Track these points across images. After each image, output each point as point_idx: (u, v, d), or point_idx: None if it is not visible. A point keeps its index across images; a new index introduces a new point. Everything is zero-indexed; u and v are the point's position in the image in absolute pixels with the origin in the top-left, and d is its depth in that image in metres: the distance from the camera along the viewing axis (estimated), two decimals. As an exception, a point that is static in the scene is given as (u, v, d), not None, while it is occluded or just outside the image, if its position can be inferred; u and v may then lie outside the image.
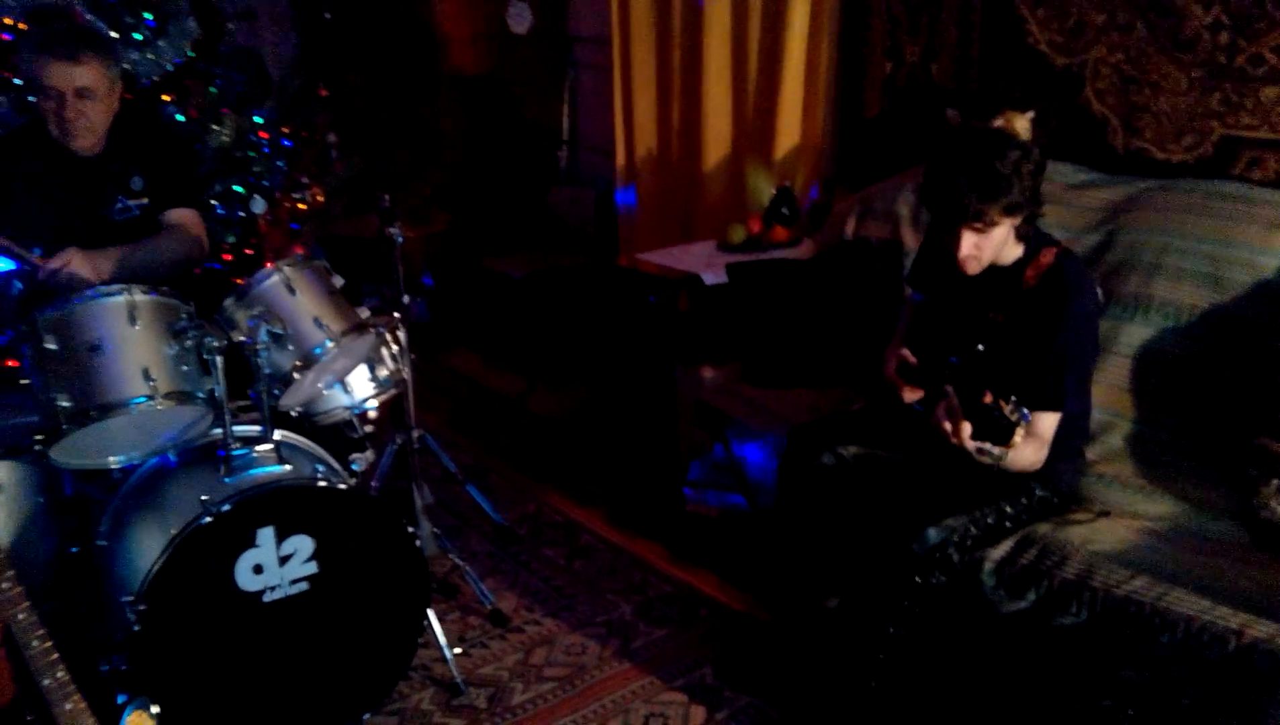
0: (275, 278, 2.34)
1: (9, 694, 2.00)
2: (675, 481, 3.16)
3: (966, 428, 1.98)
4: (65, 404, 2.07)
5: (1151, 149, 2.84)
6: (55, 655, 1.82)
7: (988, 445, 1.96)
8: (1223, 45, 2.65)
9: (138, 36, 3.97)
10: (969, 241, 2.17)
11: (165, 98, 4.01)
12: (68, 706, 1.82)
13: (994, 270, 2.30)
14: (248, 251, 4.01)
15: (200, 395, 2.21)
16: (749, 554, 2.89)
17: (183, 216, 2.80)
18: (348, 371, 2.57)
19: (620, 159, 4.39)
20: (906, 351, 2.49)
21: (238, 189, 3.89)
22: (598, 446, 3.73)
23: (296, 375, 2.32)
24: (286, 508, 2.19)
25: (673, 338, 3.15)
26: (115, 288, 2.16)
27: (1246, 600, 1.97)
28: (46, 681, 1.80)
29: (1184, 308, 2.49)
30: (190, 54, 4.13)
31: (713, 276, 3.16)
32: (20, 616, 1.80)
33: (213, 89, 3.97)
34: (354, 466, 2.71)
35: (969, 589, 2.25)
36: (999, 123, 3.01)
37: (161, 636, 2.08)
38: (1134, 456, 2.47)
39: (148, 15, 4.02)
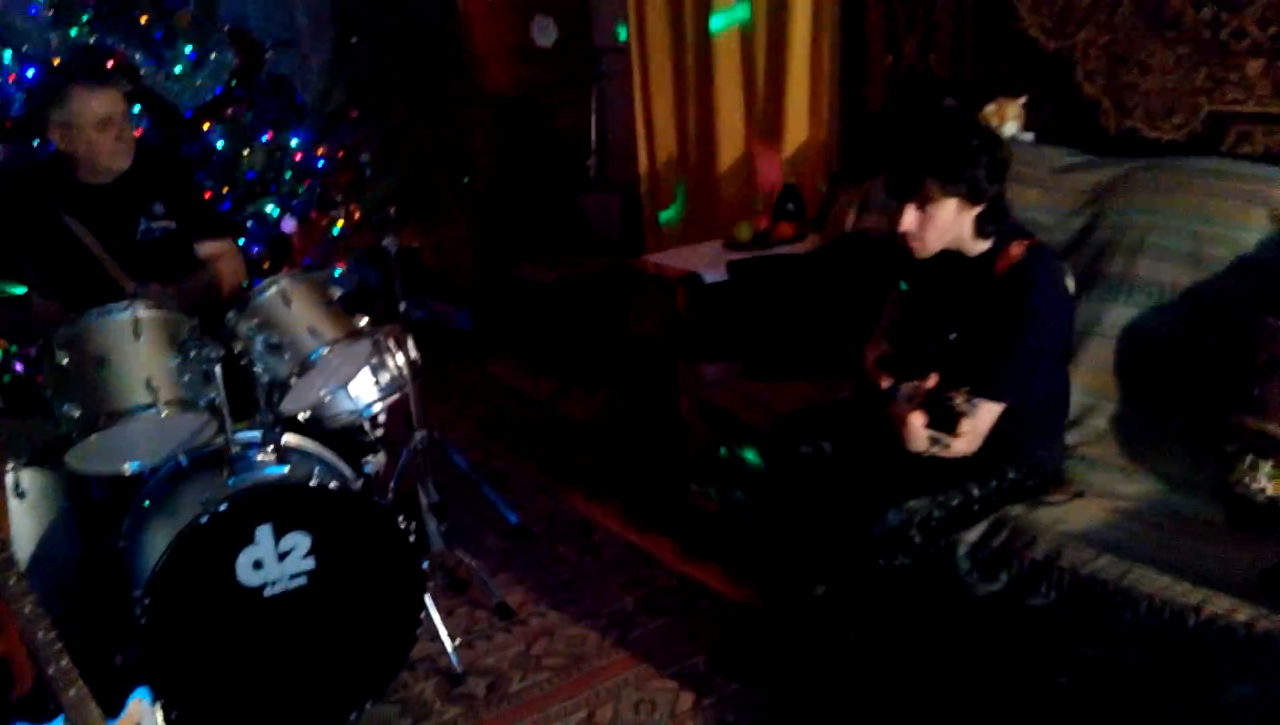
0: (272, 290, 2.49)
1: (30, 681, 2.18)
2: (681, 477, 3.23)
3: (918, 417, 2.02)
4: (75, 413, 2.24)
5: (1142, 128, 2.82)
6: (59, 645, 1.97)
7: (941, 434, 2.00)
8: (1206, 20, 2.62)
9: (178, 70, 4.20)
10: (909, 216, 2.20)
11: (205, 126, 4.24)
12: (71, 693, 1.97)
13: (964, 262, 2.32)
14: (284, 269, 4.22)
15: (202, 403, 2.36)
16: (749, 546, 2.94)
17: (217, 248, 2.99)
18: (349, 378, 2.70)
19: (643, 164, 4.47)
20: (885, 345, 2.54)
21: (271, 210, 4.09)
22: (616, 446, 3.82)
23: (294, 381, 2.46)
24: (282, 506, 2.33)
25: (673, 336, 3.22)
26: (121, 304, 2.33)
27: (1208, 577, 1.96)
28: (51, 670, 1.96)
29: (1166, 287, 2.47)
30: (233, 83, 4.37)
31: (713, 275, 3.22)
32: (26, 609, 1.95)
33: (246, 116, 4.19)
34: (365, 468, 2.86)
35: (944, 572, 2.27)
36: (991, 109, 3.03)
37: (167, 629, 2.23)
38: (1117, 438, 2.46)
39: (189, 48, 4.25)
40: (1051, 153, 2.88)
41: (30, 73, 3.86)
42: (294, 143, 4.42)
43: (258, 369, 2.38)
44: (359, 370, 2.71)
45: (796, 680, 2.44)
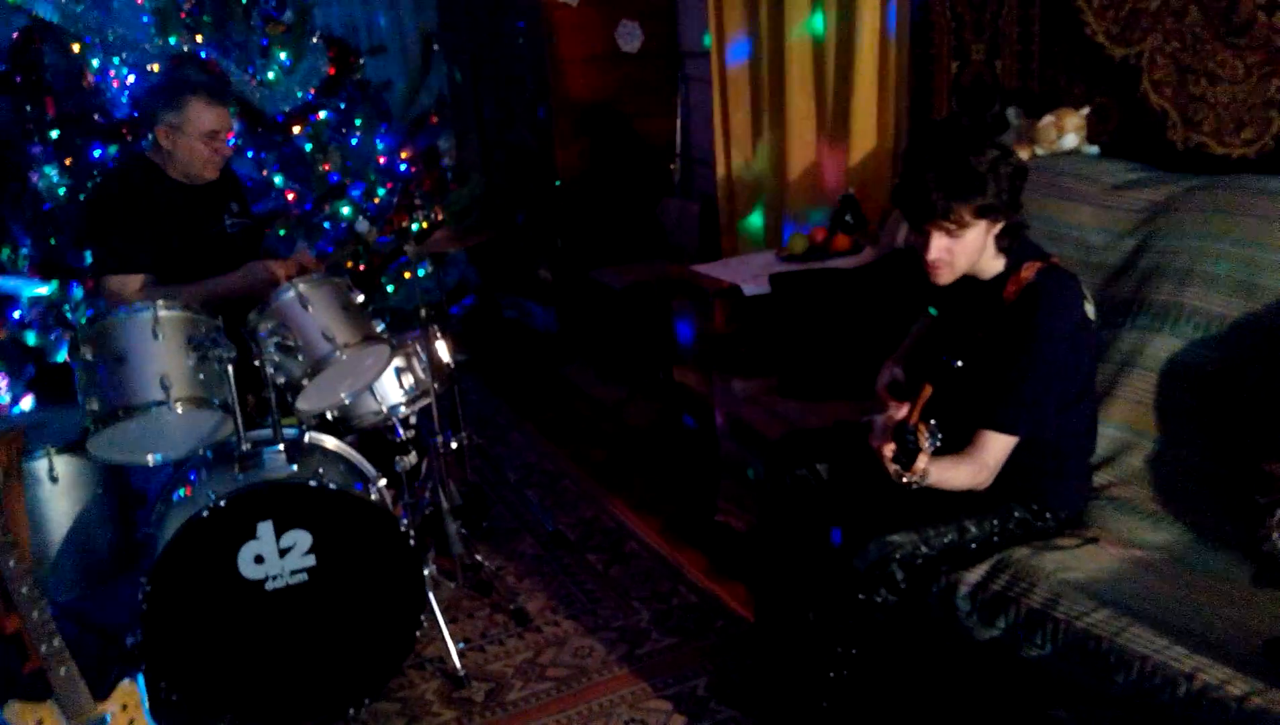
0: (290, 294, 2.56)
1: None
2: (710, 493, 3.16)
3: (889, 448, 1.92)
4: (94, 407, 2.36)
5: (1210, 143, 2.59)
6: (52, 625, 2.08)
7: (901, 468, 1.90)
8: (1279, 27, 2.39)
9: (271, 75, 4.39)
10: (939, 244, 2.09)
11: (295, 130, 4.41)
12: (61, 672, 2.07)
13: (977, 284, 2.20)
14: (360, 267, 4.35)
15: (217, 402, 2.46)
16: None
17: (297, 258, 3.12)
18: (369, 380, 2.75)
19: (720, 171, 4.41)
20: (899, 371, 2.43)
21: (346, 211, 4.22)
22: (663, 457, 3.78)
23: (306, 382, 2.52)
24: (282, 503, 2.39)
25: (708, 349, 3.16)
26: (142, 305, 2.44)
27: (1213, 642, 1.79)
28: (44, 648, 2.07)
29: (1214, 318, 2.27)
30: (324, 89, 4.53)
31: (753, 287, 3.14)
32: (24, 590, 2.07)
33: (330, 120, 4.34)
34: (396, 467, 2.92)
35: (945, 613, 2.15)
36: (1049, 120, 2.85)
37: (168, 615, 2.33)
38: (1151, 480, 2.27)
39: (284, 55, 4.43)
40: (1109, 167, 2.69)
41: (131, 79, 4.11)
42: (379, 146, 4.57)
43: (269, 369, 2.45)
44: (379, 373, 2.76)
45: (786, 713, 2.35)
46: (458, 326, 5.34)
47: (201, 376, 2.44)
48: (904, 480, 1.89)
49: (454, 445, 3.23)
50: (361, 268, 4.30)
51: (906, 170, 2.11)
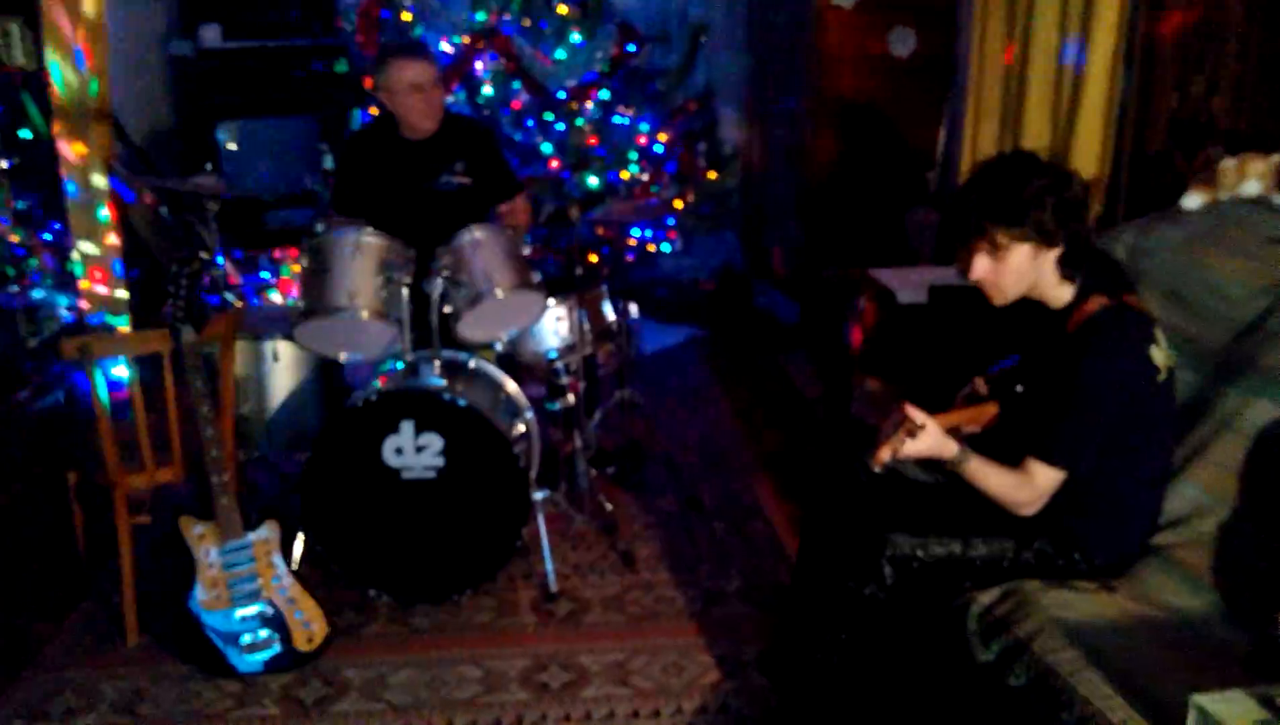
0: (466, 237, 3.00)
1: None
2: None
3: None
4: (301, 305, 2.94)
5: (1396, 207, 2.35)
6: (223, 464, 2.67)
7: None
8: None
9: (561, 55, 4.93)
10: (980, 264, 2.14)
11: (573, 106, 4.93)
12: (223, 500, 2.67)
13: (1047, 312, 2.20)
14: (600, 230, 4.79)
15: (394, 316, 2.95)
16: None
17: (508, 206, 3.56)
18: (525, 322, 3.14)
19: (963, 181, 4.38)
20: (979, 383, 2.47)
21: (594, 182, 4.66)
22: (823, 451, 3.89)
23: (465, 313, 2.96)
24: (422, 408, 2.85)
25: (855, 348, 3.26)
26: (352, 228, 2.98)
27: (1151, 700, 1.75)
28: (214, 479, 2.67)
29: (1319, 391, 2.10)
30: (608, 71, 5.02)
31: (910, 295, 3.20)
32: (208, 432, 2.67)
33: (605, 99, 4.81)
34: (554, 406, 3.32)
35: (956, 628, 2.20)
36: (1229, 164, 2.68)
37: (322, 482, 2.87)
38: (1215, 548, 2.16)
39: (576, 37, 4.96)
40: (1273, 221, 2.50)
41: (443, 44, 4.79)
42: (643, 127, 4.98)
43: (434, 296, 2.92)
44: (535, 318, 3.14)
45: (801, 691, 2.48)
46: (704, 305, 5.64)
47: (385, 294, 2.94)
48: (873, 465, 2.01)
49: (616, 398, 3.58)
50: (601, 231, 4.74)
51: (958, 192, 2.16)
